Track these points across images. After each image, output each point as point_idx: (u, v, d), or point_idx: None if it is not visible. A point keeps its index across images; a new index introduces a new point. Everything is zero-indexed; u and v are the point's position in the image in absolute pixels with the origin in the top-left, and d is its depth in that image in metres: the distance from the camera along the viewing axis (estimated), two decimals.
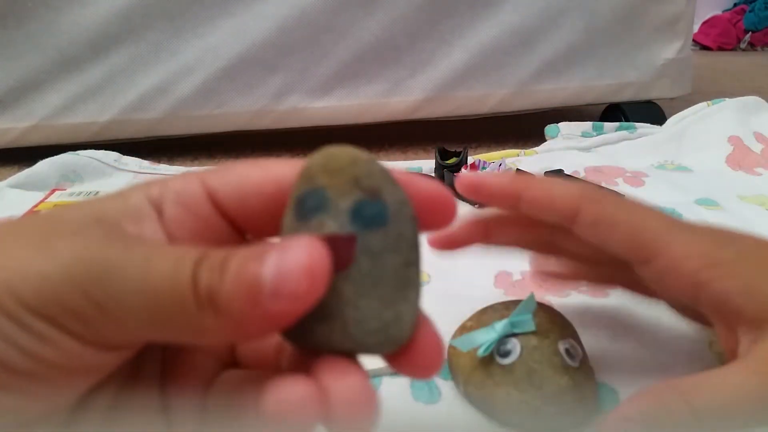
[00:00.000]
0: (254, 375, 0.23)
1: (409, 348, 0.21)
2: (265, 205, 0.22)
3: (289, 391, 0.19)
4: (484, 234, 0.37)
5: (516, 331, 0.36)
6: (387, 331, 0.20)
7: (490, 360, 0.36)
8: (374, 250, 0.19)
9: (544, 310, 0.38)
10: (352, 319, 0.19)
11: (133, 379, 0.24)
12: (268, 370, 0.24)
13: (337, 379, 0.19)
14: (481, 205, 0.70)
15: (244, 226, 0.24)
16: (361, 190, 0.20)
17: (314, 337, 0.20)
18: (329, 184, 0.20)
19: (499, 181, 0.34)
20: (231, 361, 0.26)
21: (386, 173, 0.21)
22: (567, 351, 0.35)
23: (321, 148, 0.21)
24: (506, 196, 0.33)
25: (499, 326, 0.36)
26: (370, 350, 0.20)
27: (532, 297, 0.36)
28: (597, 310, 0.46)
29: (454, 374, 0.39)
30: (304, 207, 0.20)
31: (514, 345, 0.35)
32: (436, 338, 0.22)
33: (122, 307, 0.18)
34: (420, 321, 0.21)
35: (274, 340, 0.26)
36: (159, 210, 0.23)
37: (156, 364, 0.25)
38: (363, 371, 0.20)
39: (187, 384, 0.24)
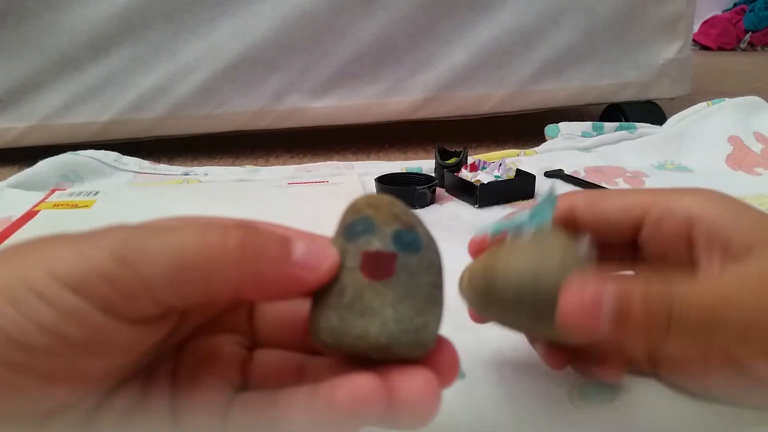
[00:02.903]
0: (271, 393, 0.24)
1: (431, 356, 0.24)
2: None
3: (362, 384, 0.21)
4: None
5: (538, 216, 0.32)
6: (417, 334, 0.23)
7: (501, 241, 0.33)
8: (410, 268, 0.23)
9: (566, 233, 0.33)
10: (391, 317, 0.22)
11: (144, 398, 0.24)
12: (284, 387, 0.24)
13: (406, 376, 0.22)
14: (480, 205, 0.70)
15: None
16: (401, 223, 0.24)
17: (353, 331, 0.22)
18: (375, 215, 0.24)
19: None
20: (243, 384, 0.26)
21: (418, 218, 0.26)
22: (584, 249, 0.31)
23: (361, 195, 0.26)
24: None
25: (518, 218, 0.33)
26: (400, 349, 0.22)
27: (553, 194, 0.33)
28: None
29: (462, 289, 0.35)
30: (353, 230, 0.24)
31: (530, 230, 0.32)
32: (454, 351, 0.25)
33: (155, 267, 0.20)
34: (440, 337, 0.25)
35: (290, 361, 0.27)
36: None
37: (166, 388, 0.25)
38: (428, 370, 0.23)
39: (201, 406, 0.25)
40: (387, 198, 0.26)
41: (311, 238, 0.24)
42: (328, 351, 0.25)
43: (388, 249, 0.23)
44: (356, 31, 0.97)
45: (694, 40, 2.89)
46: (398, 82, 1.01)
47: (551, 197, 0.33)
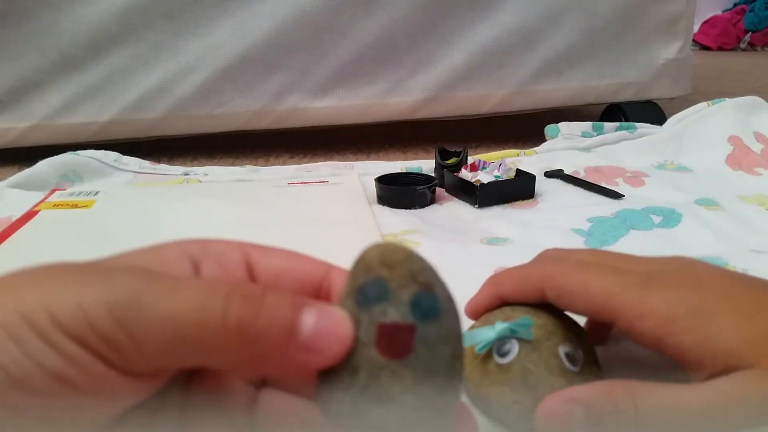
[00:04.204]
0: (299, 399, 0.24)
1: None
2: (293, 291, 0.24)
3: None
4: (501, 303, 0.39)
5: (515, 334, 0.36)
6: (439, 417, 0.21)
7: (488, 358, 0.36)
8: (430, 340, 0.21)
9: (551, 312, 0.38)
10: (410, 405, 0.20)
11: (152, 424, 0.24)
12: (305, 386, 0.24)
13: None
14: (480, 205, 0.70)
15: None
16: (418, 283, 0.22)
17: (368, 419, 0.20)
18: (389, 276, 0.22)
19: (478, 300, 0.39)
20: (250, 424, 0.26)
21: (435, 271, 0.23)
22: (567, 355, 0.35)
23: (373, 245, 0.23)
24: (491, 306, 0.39)
25: (499, 327, 0.36)
26: None
27: (527, 319, 0.36)
28: None
29: None
30: (366, 295, 0.22)
31: (513, 345, 0.35)
32: (472, 422, 0.23)
33: (149, 332, 0.19)
34: (462, 409, 0.23)
35: (296, 408, 0.26)
36: (197, 267, 0.24)
37: (178, 391, 0.25)
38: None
39: (222, 404, 0.25)
40: (402, 251, 0.23)
41: (322, 310, 0.21)
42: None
43: (405, 320, 0.21)
44: (356, 31, 0.97)
45: (694, 40, 2.89)
46: (398, 82, 1.01)
47: (527, 320, 0.36)
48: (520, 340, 0.35)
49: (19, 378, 0.19)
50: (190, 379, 0.25)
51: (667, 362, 0.40)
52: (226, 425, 0.25)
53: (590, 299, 0.33)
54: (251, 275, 0.25)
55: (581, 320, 0.39)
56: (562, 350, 0.35)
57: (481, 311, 0.40)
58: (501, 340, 0.36)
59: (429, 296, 0.22)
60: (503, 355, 0.35)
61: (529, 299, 0.37)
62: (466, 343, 0.36)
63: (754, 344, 0.30)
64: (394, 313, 0.21)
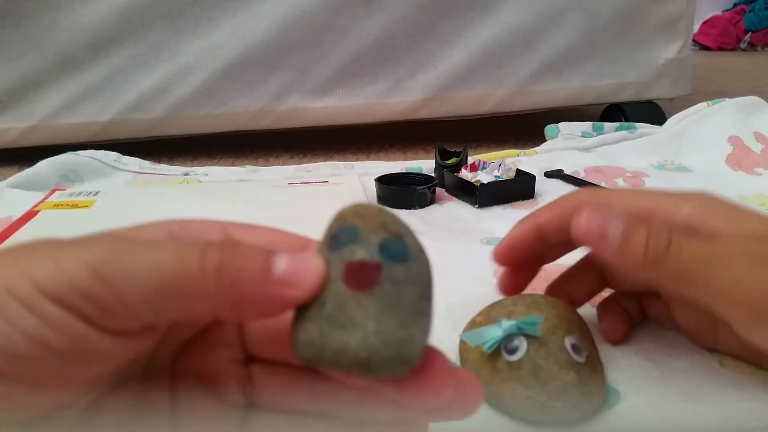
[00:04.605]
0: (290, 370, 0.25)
1: (418, 374, 0.22)
2: None
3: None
4: (538, 237, 0.40)
5: (522, 331, 0.36)
6: (400, 348, 0.21)
7: (497, 356, 0.36)
8: (396, 279, 0.22)
9: (553, 304, 0.38)
10: (372, 330, 0.21)
11: (141, 402, 0.24)
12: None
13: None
14: (480, 205, 0.70)
15: None
16: (388, 232, 0.23)
17: (332, 345, 0.21)
18: (361, 224, 0.23)
19: (515, 236, 0.40)
20: (248, 402, 0.26)
21: (407, 226, 0.24)
22: (573, 346, 0.36)
23: (350, 204, 0.25)
24: (528, 240, 0.40)
25: (506, 325, 0.36)
26: (381, 364, 0.21)
27: (536, 317, 0.37)
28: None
29: (464, 368, 0.39)
30: (338, 239, 0.23)
31: (521, 342, 0.36)
32: (446, 366, 0.23)
33: (131, 285, 0.20)
34: (430, 351, 0.23)
35: (293, 378, 0.26)
36: None
37: (165, 394, 0.25)
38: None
39: (216, 382, 0.25)
40: (375, 207, 0.24)
41: (295, 250, 0.23)
42: (310, 366, 0.23)
43: (372, 259, 0.22)
44: (356, 31, 0.97)
45: (694, 40, 2.89)
46: (398, 82, 1.01)
47: (536, 318, 0.36)
48: (526, 336, 0.36)
49: (2, 346, 0.19)
50: (176, 363, 0.26)
51: (669, 362, 0.41)
52: (220, 412, 0.25)
53: (630, 208, 0.36)
54: None
55: (582, 309, 0.40)
56: (568, 342, 0.36)
57: (519, 248, 0.40)
58: (508, 338, 0.36)
59: (398, 242, 0.23)
60: (511, 352, 0.36)
61: (565, 224, 0.36)
62: (472, 342, 0.37)
63: None
64: (362, 253, 0.22)
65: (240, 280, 0.21)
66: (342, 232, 0.23)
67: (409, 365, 0.22)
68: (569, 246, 0.41)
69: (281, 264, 0.22)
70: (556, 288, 0.44)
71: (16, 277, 0.20)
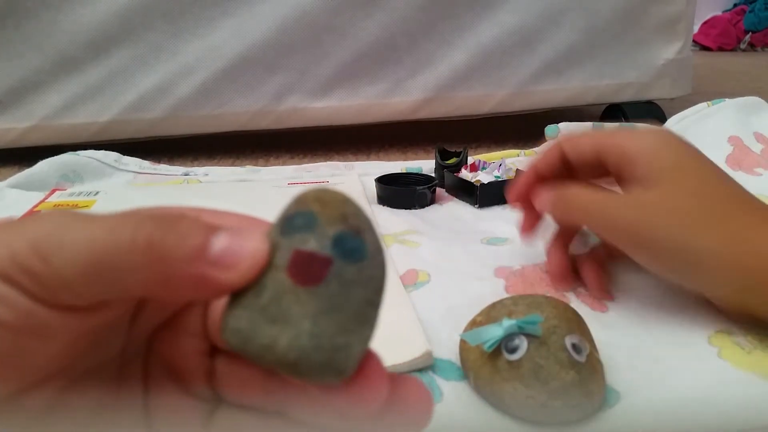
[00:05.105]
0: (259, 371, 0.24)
1: (353, 381, 0.21)
2: None
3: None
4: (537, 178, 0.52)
5: (523, 331, 0.36)
6: (334, 355, 0.20)
7: (497, 355, 0.36)
8: (346, 278, 0.20)
9: (554, 304, 0.39)
10: (306, 331, 0.19)
11: (117, 390, 0.24)
12: None
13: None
14: (480, 205, 0.70)
15: None
16: (347, 225, 0.21)
17: (259, 338, 0.20)
18: (319, 211, 0.21)
19: (546, 158, 0.51)
20: (214, 396, 0.25)
21: (370, 221, 0.22)
22: (574, 346, 0.36)
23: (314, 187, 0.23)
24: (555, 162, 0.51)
25: (506, 324, 0.36)
26: (310, 369, 0.20)
27: (536, 316, 0.37)
28: (598, 317, 0.47)
29: (464, 368, 0.39)
30: (291, 223, 0.21)
31: (521, 341, 0.36)
32: (380, 369, 0.22)
33: (65, 259, 0.19)
34: (371, 358, 0.22)
35: (253, 374, 0.25)
36: None
37: (138, 382, 0.25)
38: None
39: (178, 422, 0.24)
40: (340, 195, 0.22)
41: (239, 229, 0.21)
42: (237, 353, 0.21)
43: (323, 252, 0.20)
44: (356, 31, 0.97)
45: (694, 40, 2.89)
46: (398, 82, 1.01)
47: (536, 317, 0.37)
48: (527, 335, 0.36)
49: None
50: (149, 349, 0.25)
51: (669, 363, 0.41)
52: (188, 404, 0.24)
53: (593, 145, 0.48)
54: None
55: (580, 309, 0.40)
56: (569, 341, 0.36)
57: (547, 169, 0.51)
58: (509, 337, 0.36)
59: (355, 238, 0.21)
60: (512, 351, 0.36)
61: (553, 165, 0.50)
62: (473, 342, 0.37)
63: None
64: (314, 243, 0.20)
65: (170, 256, 0.20)
66: (297, 216, 0.21)
67: (341, 375, 0.20)
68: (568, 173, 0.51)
69: (219, 243, 0.20)
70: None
71: None
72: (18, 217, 0.21)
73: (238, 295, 0.20)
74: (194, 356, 0.25)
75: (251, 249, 0.20)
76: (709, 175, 0.44)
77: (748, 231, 0.40)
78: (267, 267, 0.20)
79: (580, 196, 0.47)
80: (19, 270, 0.19)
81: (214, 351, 0.25)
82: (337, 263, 0.20)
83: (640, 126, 0.51)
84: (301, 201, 0.22)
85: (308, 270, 0.20)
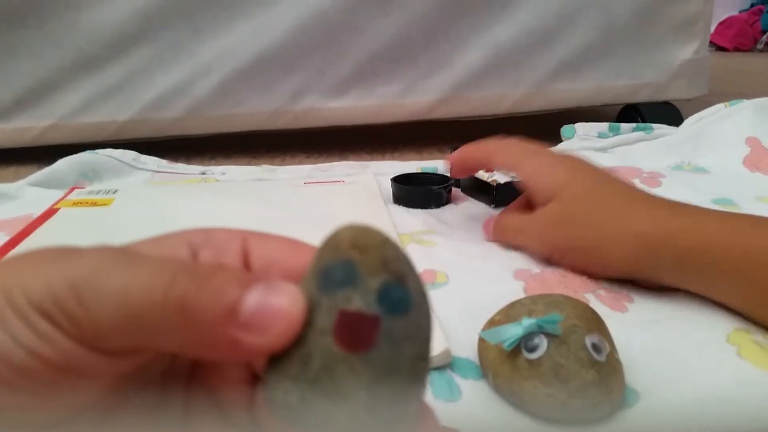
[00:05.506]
0: None
1: None
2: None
3: None
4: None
5: (543, 330, 0.36)
6: (392, 426, 0.19)
7: (517, 354, 0.37)
8: (395, 336, 0.19)
9: (573, 304, 0.39)
10: (363, 404, 0.18)
11: (158, 407, 0.24)
12: None
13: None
14: (497, 205, 0.70)
15: None
16: (390, 272, 0.19)
17: (314, 416, 0.19)
18: (359, 260, 0.19)
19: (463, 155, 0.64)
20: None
21: (411, 262, 0.21)
22: (594, 345, 0.36)
23: (346, 225, 0.21)
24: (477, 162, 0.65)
25: (526, 323, 0.36)
26: None
27: (556, 315, 0.37)
28: (617, 318, 0.47)
29: (483, 366, 0.40)
30: (330, 277, 0.19)
31: (541, 340, 0.36)
32: (436, 427, 0.21)
33: (101, 307, 0.19)
34: (423, 409, 0.21)
35: None
36: (195, 254, 0.23)
37: (183, 380, 0.25)
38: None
39: (224, 404, 0.24)
40: (377, 235, 0.20)
41: (269, 286, 0.19)
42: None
43: (370, 310, 0.19)
44: (373, 31, 0.97)
45: (710, 41, 2.87)
46: (414, 82, 1.02)
47: (556, 316, 0.37)
48: (547, 334, 0.36)
49: (3, 355, 0.19)
50: (190, 379, 0.25)
51: (689, 363, 0.41)
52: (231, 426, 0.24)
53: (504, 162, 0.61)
54: (246, 262, 0.24)
55: (600, 310, 0.40)
56: (589, 341, 0.36)
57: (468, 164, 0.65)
58: (528, 336, 0.36)
59: (400, 288, 0.19)
60: (532, 350, 0.36)
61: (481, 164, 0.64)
62: (492, 340, 0.37)
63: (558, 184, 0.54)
64: (359, 301, 0.19)
65: (202, 319, 0.19)
66: (335, 268, 0.19)
67: None
68: None
69: (251, 301, 0.19)
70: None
71: (13, 286, 0.19)
72: (37, 215, 0.21)
73: (278, 362, 0.19)
74: (236, 385, 0.24)
75: (285, 308, 0.19)
76: (597, 182, 0.54)
77: (629, 216, 0.50)
78: (308, 327, 0.19)
79: (509, 221, 0.60)
80: (59, 311, 0.19)
81: (255, 379, 0.25)
82: (385, 321, 0.19)
83: (511, 141, 0.64)
84: (335, 248, 0.20)
85: (357, 334, 0.18)
